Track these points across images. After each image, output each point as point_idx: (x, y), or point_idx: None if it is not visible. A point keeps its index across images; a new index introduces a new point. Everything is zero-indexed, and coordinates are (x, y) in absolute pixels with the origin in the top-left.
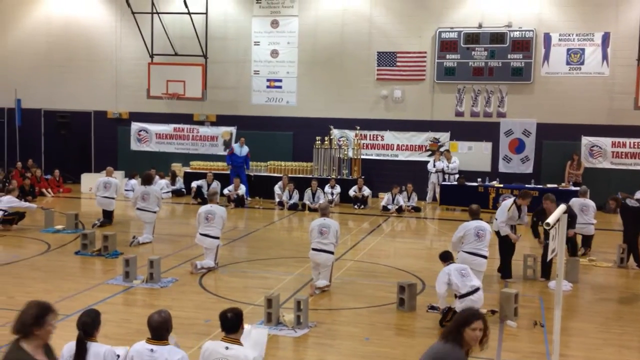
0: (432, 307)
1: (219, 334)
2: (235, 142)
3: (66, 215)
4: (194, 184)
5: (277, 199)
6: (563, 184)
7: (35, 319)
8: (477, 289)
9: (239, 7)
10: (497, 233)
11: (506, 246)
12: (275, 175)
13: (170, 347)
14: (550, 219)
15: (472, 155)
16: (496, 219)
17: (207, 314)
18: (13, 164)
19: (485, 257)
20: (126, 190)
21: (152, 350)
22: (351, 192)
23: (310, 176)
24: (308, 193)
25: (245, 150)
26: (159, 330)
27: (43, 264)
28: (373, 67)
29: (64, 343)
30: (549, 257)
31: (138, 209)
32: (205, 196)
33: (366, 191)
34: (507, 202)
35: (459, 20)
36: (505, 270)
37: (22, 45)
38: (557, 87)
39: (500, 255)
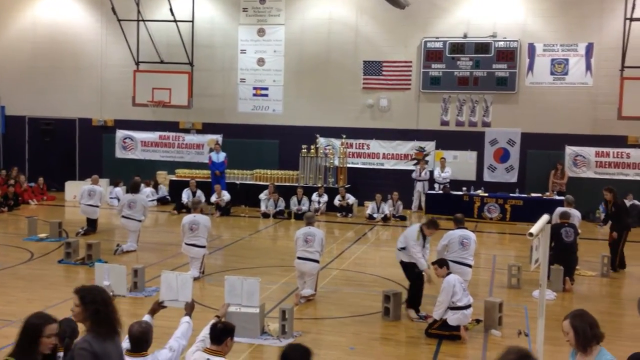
0: (421, 317)
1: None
2: (211, 150)
3: (50, 224)
4: (185, 195)
5: (262, 208)
6: (547, 193)
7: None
8: (470, 305)
9: (226, 15)
10: (401, 262)
11: (414, 274)
12: (261, 183)
13: (152, 357)
14: (534, 229)
15: (457, 165)
16: (400, 248)
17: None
18: None
19: (470, 265)
20: (111, 198)
21: None
22: (336, 202)
23: (296, 184)
24: (294, 200)
25: (222, 156)
26: (139, 342)
27: (26, 272)
28: (359, 76)
29: None
30: (532, 267)
31: (123, 216)
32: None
33: (351, 199)
34: (414, 227)
35: (445, 30)
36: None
37: (6, 51)
38: (542, 97)
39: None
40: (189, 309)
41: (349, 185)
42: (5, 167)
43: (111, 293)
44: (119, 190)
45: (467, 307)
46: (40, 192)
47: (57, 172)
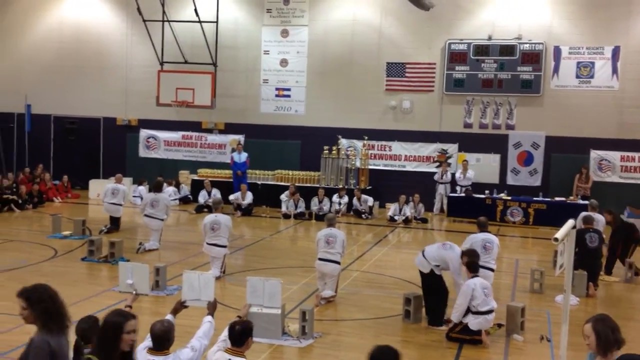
0: (446, 322)
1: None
2: (233, 150)
3: (73, 221)
4: (202, 196)
5: (283, 209)
6: (571, 198)
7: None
8: (492, 310)
9: (250, 16)
10: (429, 272)
11: (438, 285)
12: (283, 184)
13: (174, 356)
14: (559, 234)
15: (480, 167)
16: (436, 265)
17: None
18: (22, 169)
19: (492, 269)
20: (134, 196)
21: None
22: (356, 204)
23: (317, 185)
24: (314, 201)
25: (244, 156)
26: (161, 340)
27: (49, 269)
28: (382, 77)
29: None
30: (557, 272)
31: (146, 215)
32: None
33: (369, 201)
34: (457, 253)
35: (469, 32)
36: (435, 315)
37: (33, 50)
38: (567, 100)
39: (432, 296)
40: (212, 308)
41: (370, 187)
42: (30, 165)
43: (134, 292)
44: (143, 189)
45: (489, 312)
46: (65, 190)
47: (81, 171)
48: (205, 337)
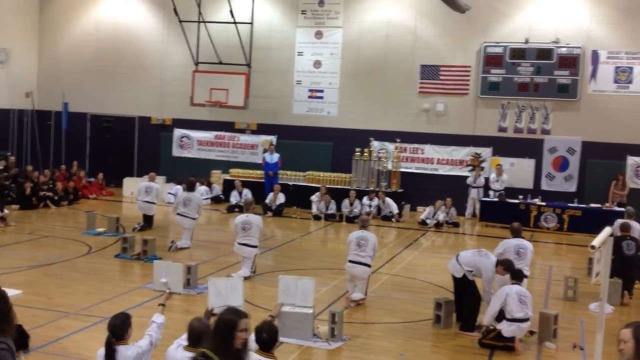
0: (478, 327)
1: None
2: (265, 151)
3: (107, 219)
4: (233, 197)
5: (313, 210)
6: (607, 204)
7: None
8: (529, 318)
9: (284, 17)
10: (461, 277)
11: (470, 290)
12: (314, 185)
13: None
14: (596, 242)
15: (514, 172)
16: (469, 271)
17: None
18: (58, 166)
19: (525, 276)
20: (169, 193)
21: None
22: (381, 207)
23: (349, 187)
24: (345, 203)
25: (276, 157)
26: (200, 336)
27: (84, 265)
28: (416, 79)
29: (101, 344)
30: (593, 280)
31: (178, 214)
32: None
33: (393, 206)
34: (492, 262)
35: (505, 35)
36: (467, 321)
37: (71, 50)
38: (604, 106)
39: (464, 302)
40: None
41: (401, 190)
42: (66, 162)
43: (167, 290)
44: (180, 187)
45: (524, 320)
46: (100, 187)
47: (115, 169)
48: None
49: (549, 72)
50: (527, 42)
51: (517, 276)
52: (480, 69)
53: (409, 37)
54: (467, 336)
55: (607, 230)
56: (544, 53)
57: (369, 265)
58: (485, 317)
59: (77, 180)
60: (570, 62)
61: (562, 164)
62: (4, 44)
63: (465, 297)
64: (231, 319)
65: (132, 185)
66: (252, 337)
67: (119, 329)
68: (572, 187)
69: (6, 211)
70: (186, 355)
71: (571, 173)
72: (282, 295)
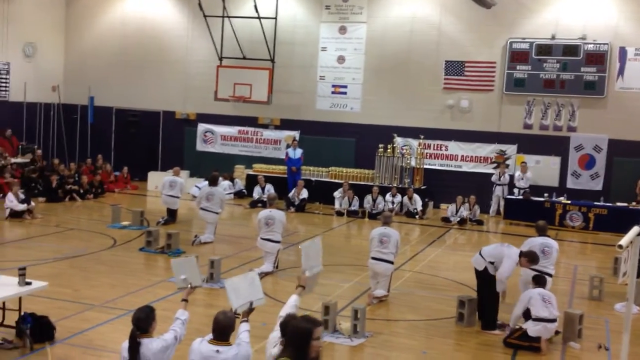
0: (500, 326)
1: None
2: (288, 146)
3: (132, 212)
4: (256, 192)
5: (336, 206)
6: (634, 203)
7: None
8: (555, 319)
9: (308, 12)
10: (484, 271)
11: (491, 285)
12: (336, 181)
13: (235, 347)
14: (623, 241)
15: (539, 170)
16: (490, 262)
17: (263, 317)
18: (84, 159)
19: (550, 275)
20: (196, 187)
21: (217, 351)
22: (407, 204)
23: (372, 184)
24: (368, 199)
25: (299, 152)
26: (225, 330)
27: (108, 258)
28: (440, 75)
29: (125, 337)
30: (620, 280)
31: (202, 208)
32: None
33: (419, 202)
34: (515, 252)
35: (531, 30)
36: (487, 320)
37: (97, 44)
38: (631, 103)
39: (484, 299)
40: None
41: (424, 187)
42: (92, 156)
43: (189, 286)
44: (206, 182)
45: (550, 320)
46: (125, 181)
47: (140, 163)
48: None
49: (576, 69)
50: (553, 38)
51: (540, 281)
52: (505, 65)
53: (433, 32)
54: (491, 335)
55: (635, 229)
56: (571, 49)
57: (391, 262)
58: (511, 319)
59: (104, 174)
60: (597, 58)
61: (588, 162)
62: (31, 38)
63: (485, 295)
64: (307, 327)
65: (157, 180)
66: (276, 333)
67: (144, 322)
68: (598, 185)
69: (33, 204)
70: (211, 349)
71: (597, 171)
72: (305, 262)
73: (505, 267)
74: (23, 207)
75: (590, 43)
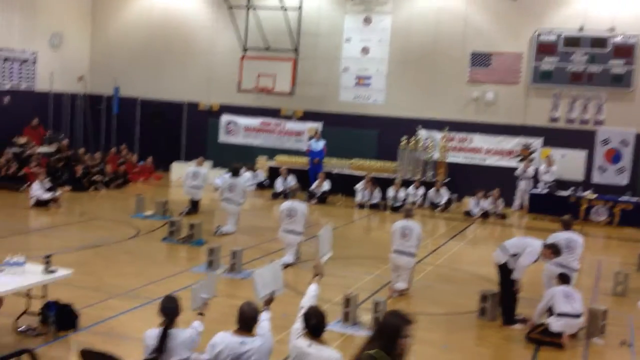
0: (521, 320)
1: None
2: (311, 138)
3: (155, 202)
4: (279, 183)
5: (358, 199)
6: None
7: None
8: (579, 315)
9: (333, 3)
10: (504, 265)
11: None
12: (359, 173)
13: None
14: None
15: (565, 163)
16: (513, 255)
17: (284, 308)
18: (108, 150)
19: (575, 269)
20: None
21: (242, 342)
22: (432, 197)
23: (394, 176)
24: (390, 192)
25: (321, 144)
26: (250, 321)
27: (132, 247)
28: (466, 67)
29: (148, 325)
30: None
31: (224, 199)
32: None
33: (445, 195)
34: (538, 245)
35: (559, 22)
36: (507, 314)
37: (123, 36)
38: None
39: (504, 293)
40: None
41: (448, 180)
42: (117, 146)
43: (206, 302)
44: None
45: (575, 316)
46: (149, 171)
47: (164, 153)
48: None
49: (603, 62)
50: (581, 29)
51: (564, 280)
52: (533, 57)
53: (459, 23)
54: (513, 329)
55: None
56: (599, 41)
57: (413, 255)
58: (534, 316)
59: (129, 164)
60: (625, 51)
61: (614, 156)
62: (58, 28)
63: (504, 289)
64: (397, 323)
65: (180, 170)
66: (299, 324)
67: (174, 312)
68: (624, 180)
69: (59, 192)
70: (235, 340)
71: (624, 165)
72: (321, 248)
73: (526, 255)
74: (49, 195)
75: (619, 35)
